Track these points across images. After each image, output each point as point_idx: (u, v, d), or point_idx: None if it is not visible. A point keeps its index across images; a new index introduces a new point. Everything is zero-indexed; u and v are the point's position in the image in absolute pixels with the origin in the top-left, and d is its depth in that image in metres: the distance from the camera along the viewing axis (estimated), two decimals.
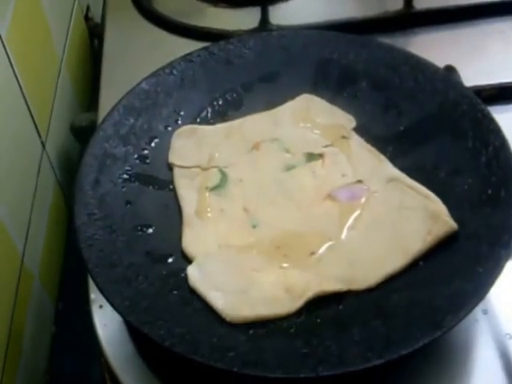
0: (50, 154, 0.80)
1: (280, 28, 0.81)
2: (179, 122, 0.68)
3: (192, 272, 0.57)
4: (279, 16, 0.84)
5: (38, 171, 0.76)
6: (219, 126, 0.69)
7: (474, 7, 0.84)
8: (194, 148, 0.66)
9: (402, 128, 0.66)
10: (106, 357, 0.57)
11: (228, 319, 0.53)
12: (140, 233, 0.60)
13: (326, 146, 0.66)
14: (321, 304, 0.55)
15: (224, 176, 0.64)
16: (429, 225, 0.58)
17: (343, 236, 0.59)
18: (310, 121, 0.68)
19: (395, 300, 0.54)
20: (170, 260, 0.58)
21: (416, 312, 0.52)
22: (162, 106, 0.69)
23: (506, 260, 0.53)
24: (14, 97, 0.72)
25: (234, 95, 0.71)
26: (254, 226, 0.60)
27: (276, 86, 0.71)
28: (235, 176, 0.64)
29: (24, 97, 0.73)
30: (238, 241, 0.59)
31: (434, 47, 0.79)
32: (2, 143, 0.66)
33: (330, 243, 0.58)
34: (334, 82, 0.71)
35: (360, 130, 0.67)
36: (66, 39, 0.91)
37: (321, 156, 0.65)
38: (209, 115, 0.70)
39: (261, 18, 0.83)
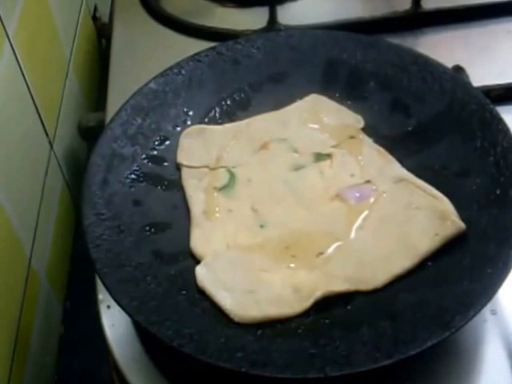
0: (58, 154, 0.81)
1: (288, 28, 0.81)
2: (187, 121, 0.68)
3: (200, 272, 0.57)
4: (287, 16, 0.84)
5: (46, 171, 0.76)
6: (227, 125, 0.69)
7: (482, 7, 0.84)
8: (202, 148, 0.66)
9: (410, 128, 0.66)
10: (113, 357, 0.57)
11: (236, 319, 0.53)
12: (148, 233, 0.60)
13: (335, 146, 0.66)
14: (329, 304, 0.55)
15: (232, 176, 0.64)
16: (437, 225, 0.58)
17: (351, 236, 0.59)
18: (319, 121, 0.68)
19: (403, 300, 0.54)
20: (179, 260, 0.58)
21: (424, 312, 0.52)
22: (170, 105, 0.68)
23: None
24: (21, 97, 0.72)
25: (242, 95, 0.71)
26: (262, 226, 0.60)
27: (284, 86, 0.71)
28: (243, 176, 0.64)
29: (32, 97, 0.73)
30: (246, 241, 0.59)
31: (442, 47, 0.79)
32: (9, 143, 0.67)
33: (338, 243, 0.58)
34: (343, 82, 0.70)
35: (368, 130, 0.67)
36: (74, 39, 0.91)
37: (329, 156, 0.65)
38: (217, 115, 0.70)
39: (269, 18, 0.83)
